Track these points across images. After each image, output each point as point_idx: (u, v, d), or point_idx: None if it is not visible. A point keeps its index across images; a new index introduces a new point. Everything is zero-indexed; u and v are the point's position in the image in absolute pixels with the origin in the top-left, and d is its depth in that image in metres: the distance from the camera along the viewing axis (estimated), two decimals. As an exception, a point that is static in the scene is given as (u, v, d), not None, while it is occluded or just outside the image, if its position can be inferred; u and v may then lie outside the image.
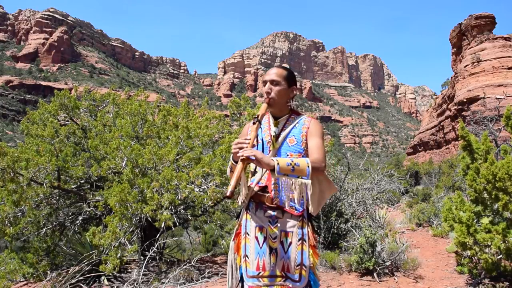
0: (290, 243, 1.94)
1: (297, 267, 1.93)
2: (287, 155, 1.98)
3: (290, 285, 1.92)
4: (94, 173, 5.26)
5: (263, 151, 2.06)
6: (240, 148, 1.83)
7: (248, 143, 1.85)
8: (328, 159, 6.92)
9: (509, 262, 3.90)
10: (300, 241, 1.95)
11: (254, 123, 1.98)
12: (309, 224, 2.02)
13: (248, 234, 2.02)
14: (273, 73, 2.05)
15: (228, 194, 1.72)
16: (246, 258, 2.00)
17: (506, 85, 34.66)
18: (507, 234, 3.64)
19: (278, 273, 1.94)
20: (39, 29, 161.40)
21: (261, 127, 2.10)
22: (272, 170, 1.78)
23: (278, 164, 1.78)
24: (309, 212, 2.04)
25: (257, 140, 2.08)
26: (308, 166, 1.81)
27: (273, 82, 2.03)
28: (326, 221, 5.86)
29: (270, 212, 1.97)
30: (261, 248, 1.97)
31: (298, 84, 2.23)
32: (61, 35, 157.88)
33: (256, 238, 1.99)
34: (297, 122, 2.04)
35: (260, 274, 1.94)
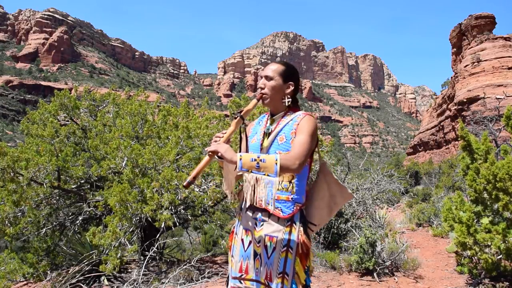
0: (274, 248, 1.82)
1: (279, 275, 1.80)
2: (276, 153, 1.86)
3: None
4: (94, 173, 5.26)
5: (246, 150, 2.03)
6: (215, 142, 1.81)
7: (222, 137, 1.82)
8: (328, 159, 6.92)
9: (509, 262, 3.90)
10: (285, 248, 1.81)
11: (235, 117, 1.89)
12: (301, 229, 1.85)
13: (237, 235, 1.99)
14: (269, 68, 1.99)
15: (184, 184, 1.72)
16: (232, 258, 1.98)
17: (506, 85, 34.68)
18: (507, 234, 3.64)
19: (262, 280, 1.85)
20: (39, 29, 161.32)
21: (244, 123, 2.01)
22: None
23: (241, 159, 1.71)
24: (308, 218, 1.94)
25: (254, 139, 2.02)
26: (276, 163, 1.69)
27: (267, 77, 1.97)
28: (326, 221, 5.85)
29: (257, 213, 1.89)
30: (245, 251, 1.92)
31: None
32: (61, 35, 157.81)
33: (242, 240, 1.94)
34: (291, 119, 1.92)
35: (242, 277, 1.90)
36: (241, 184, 1.99)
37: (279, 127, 1.93)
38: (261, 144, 1.95)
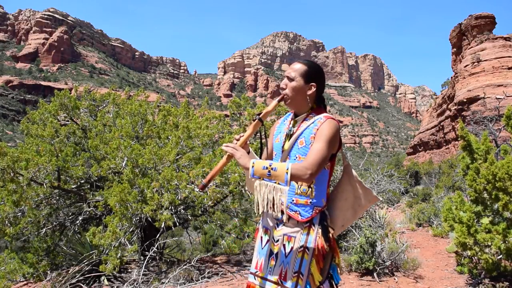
0: (292, 248, 1.85)
1: (294, 274, 1.83)
2: (296, 157, 1.87)
3: None
4: (94, 173, 5.26)
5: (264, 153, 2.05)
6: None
7: (239, 139, 1.86)
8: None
9: (509, 262, 3.90)
10: (302, 249, 1.83)
11: (254, 120, 1.90)
12: (319, 231, 1.86)
13: (259, 232, 2.04)
14: (291, 68, 1.96)
15: (199, 186, 1.77)
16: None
17: (506, 85, 34.66)
18: (507, 234, 3.64)
19: (274, 279, 1.87)
20: (39, 29, 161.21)
21: (263, 125, 1.98)
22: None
23: (253, 166, 1.73)
24: (327, 222, 1.93)
25: (277, 138, 2.02)
26: (287, 173, 1.69)
27: (289, 78, 1.94)
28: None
29: (278, 214, 1.90)
30: (262, 248, 1.96)
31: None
32: (61, 35, 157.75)
33: (261, 238, 1.99)
34: (312, 122, 1.88)
35: (257, 273, 1.95)
36: None
37: (300, 129, 1.91)
38: (283, 146, 1.95)
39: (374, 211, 7.34)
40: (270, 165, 1.73)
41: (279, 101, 1.96)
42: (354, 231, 5.72)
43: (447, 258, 5.58)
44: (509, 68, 36.51)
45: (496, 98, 29.25)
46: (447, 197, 5.15)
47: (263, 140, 2.07)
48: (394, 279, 4.57)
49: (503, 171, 3.58)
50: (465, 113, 35.66)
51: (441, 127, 45.16)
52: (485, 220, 3.95)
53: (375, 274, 4.58)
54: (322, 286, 1.87)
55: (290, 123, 2.00)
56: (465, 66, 39.36)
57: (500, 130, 13.36)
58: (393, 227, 8.25)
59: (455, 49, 44.90)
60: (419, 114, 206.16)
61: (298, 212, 1.85)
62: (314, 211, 1.85)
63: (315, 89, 1.93)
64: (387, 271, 4.74)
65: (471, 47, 40.38)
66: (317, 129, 1.84)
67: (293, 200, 1.85)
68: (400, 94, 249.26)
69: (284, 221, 1.87)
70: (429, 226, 8.51)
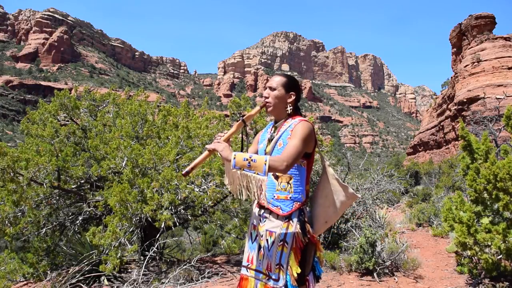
0: (273, 242, 2.02)
1: (276, 266, 2.01)
2: None
3: (272, 285, 2.01)
4: (94, 173, 5.26)
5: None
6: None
7: (222, 136, 2.06)
8: (328, 159, 6.91)
9: (509, 262, 3.90)
10: (281, 243, 2.00)
11: (237, 121, 2.14)
12: (297, 226, 2.02)
13: (249, 228, 2.22)
14: (273, 80, 2.21)
15: (183, 172, 1.98)
16: (245, 249, 2.23)
17: (506, 85, 34.67)
18: (507, 234, 3.64)
19: (264, 270, 2.06)
20: (39, 29, 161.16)
21: (246, 126, 2.19)
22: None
23: (234, 158, 1.91)
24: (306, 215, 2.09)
25: (261, 144, 2.22)
26: (265, 164, 1.87)
27: (271, 88, 2.19)
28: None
29: (261, 210, 2.10)
30: (252, 243, 2.15)
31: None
32: (61, 35, 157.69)
33: (250, 234, 2.17)
34: (289, 126, 2.11)
35: (249, 266, 2.13)
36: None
37: (279, 133, 2.13)
38: (265, 150, 2.17)
39: (374, 211, 7.35)
40: (250, 157, 1.91)
41: (261, 107, 2.23)
42: (354, 231, 5.73)
43: (447, 258, 5.58)
44: (509, 68, 36.52)
45: (496, 98, 29.27)
46: (447, 197, 5.16)
47: (244, 139, 2.29)
48: (394, 279, 4.57)
49: (504, 171, 3.58)
50: (465, 113, 35.67)
51: (441, 127, 45.17)
52: (485, 220, 3.95)
53: (375, 274, 4.58)
54: (307, 278, 2.06)
55: (271, 130, 2.24)
56: (465, 66, 39.37)
57: (500, 130, 13.37)
58: (393, 227, 8.24)
59: (455, 49, 44.92)
60: (419, 114, 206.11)
61: (279, 207, 2.03)
62: (294, 206, 2.03)
63: (294, 97, 2.19)
64: (387, 271, 4.74)
65: (471, 47, 40.40)
66: (292, 130, 2.06)
67: (274, 196, 2.05)
68: (400, 94, 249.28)
69: (263, 204, 2.06)
70: (429, 226, 8.51)
